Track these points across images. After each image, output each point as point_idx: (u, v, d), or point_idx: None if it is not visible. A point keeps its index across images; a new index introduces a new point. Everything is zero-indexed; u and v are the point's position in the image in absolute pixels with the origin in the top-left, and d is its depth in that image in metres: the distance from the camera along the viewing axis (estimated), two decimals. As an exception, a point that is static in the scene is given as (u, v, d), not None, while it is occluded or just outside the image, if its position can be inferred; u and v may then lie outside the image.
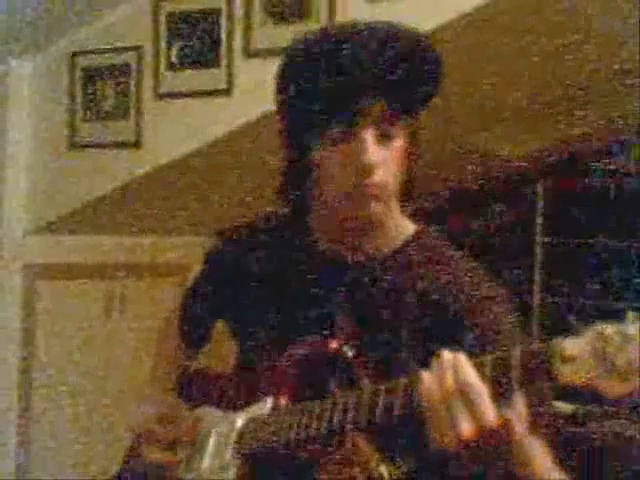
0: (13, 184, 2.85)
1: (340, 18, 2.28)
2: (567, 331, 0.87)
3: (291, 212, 1.30)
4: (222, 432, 1.24)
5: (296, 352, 1.18)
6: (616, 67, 2.88)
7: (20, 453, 2.86)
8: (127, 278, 3.19)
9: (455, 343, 0.99)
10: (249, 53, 2.48)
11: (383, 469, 1.09)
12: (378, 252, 1.22)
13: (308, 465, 1.12)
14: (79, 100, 2.77)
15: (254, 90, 2.42)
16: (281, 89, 1.18)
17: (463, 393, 0.90)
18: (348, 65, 1.08)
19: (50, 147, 2.84)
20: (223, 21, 2.51)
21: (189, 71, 2.58)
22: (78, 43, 2.78)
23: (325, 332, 1.17)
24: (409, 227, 1.25)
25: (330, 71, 1.09)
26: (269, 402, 1.18)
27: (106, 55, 2.72)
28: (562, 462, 1.00)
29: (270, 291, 1.27)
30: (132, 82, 2.69)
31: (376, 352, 1.15)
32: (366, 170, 1.11)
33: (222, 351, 1.40)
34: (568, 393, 0.90)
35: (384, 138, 1.13)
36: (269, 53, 2.38)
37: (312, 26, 2.17)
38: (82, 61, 2.76)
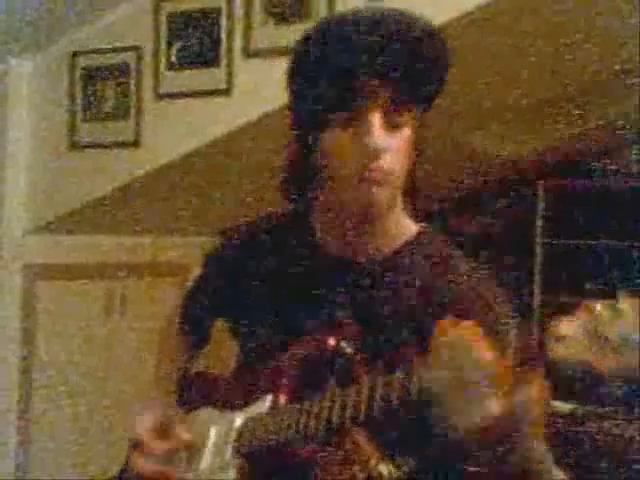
0: (13, 184, 2.85)
1: (340, 18, 2.28)
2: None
3: (294, 211, 1.30)
4: (221, 431, 1.24)
5: (295, 351, 1.18)
6: (616, 67, 2.89)
7: (20, 453, 2.86)
8: (127, 278, 3.19)
9: None
10: (249, 53, 2.48)
11: (383, 468, 1.09)
12: (379, 252, 1.22)
13: (308, 464, 1.12)
14: (79, 100, 2.77)
15: (254, 90, 2.42)
16: (292, 74, 1.18)
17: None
18: (358, 48, 1.08)
19: (50, 147, 2.84)
20: (223, 21, 2.51)
21: (189, 71, 2.59)
22: (78, 43, 2.78)
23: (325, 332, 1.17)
24: (410, 227, 1.25)
25: (340, 54, 1.09)
26: (268, 401, 1.18)
27: (106, 55, 2.73)
28: (561, 461, 1.00)
29: (271, 291, 1.27)
30: (132, 82, 2.69)
31: (377, 352, 1.14)
32: (372, 153, 1.10)
33: (222, 353, 1.40)
34: (566, 393, 0.90)
35: (392, 126, 1.12)
36: (269, 53, 2.38)
37: (312, 26, 2.17)
38: (82, 61, 2.76)
